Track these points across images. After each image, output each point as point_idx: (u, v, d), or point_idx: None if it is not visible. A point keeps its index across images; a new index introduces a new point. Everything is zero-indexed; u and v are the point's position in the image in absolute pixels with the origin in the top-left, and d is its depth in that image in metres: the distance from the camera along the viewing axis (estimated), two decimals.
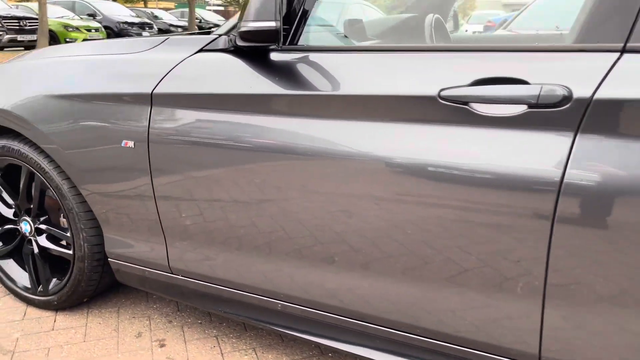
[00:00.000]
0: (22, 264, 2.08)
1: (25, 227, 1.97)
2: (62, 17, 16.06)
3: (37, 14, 14.23)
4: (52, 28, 14.89)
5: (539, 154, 1.11)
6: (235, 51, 1.49)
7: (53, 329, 1.91)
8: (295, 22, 1.43)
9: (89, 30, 16.02)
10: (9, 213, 2.01)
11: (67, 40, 15.54)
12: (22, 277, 2.06)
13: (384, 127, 1.26)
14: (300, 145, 1.34)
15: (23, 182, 1.90)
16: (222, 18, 25.73)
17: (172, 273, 1.71)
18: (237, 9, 42.40)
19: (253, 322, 1.64)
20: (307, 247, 1.41)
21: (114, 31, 17.46)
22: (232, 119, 1.44)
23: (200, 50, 1.55)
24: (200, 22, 21.72)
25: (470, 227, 1.19)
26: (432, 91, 1.20)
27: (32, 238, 1.98)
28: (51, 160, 1.79)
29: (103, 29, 16.53)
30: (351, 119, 1.30)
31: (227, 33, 1.52)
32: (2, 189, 1.98)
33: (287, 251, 1.45)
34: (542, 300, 1.17)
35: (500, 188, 1.14)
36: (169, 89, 1.53)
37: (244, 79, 1.43)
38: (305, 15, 1.44)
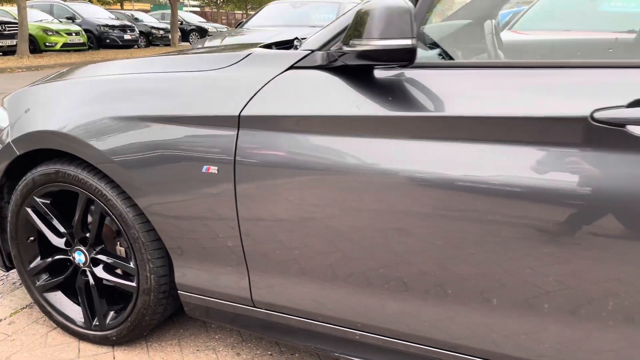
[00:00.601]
0: (71, 295, 1.93)
1: (79, 257, 1.82)
2: (41, 20, 15.66)
3: (15, 18, 13.84)
4: (31, 32, 14.50)
5: None
6: (334, 68, 1.37)
7: None
8: None
9: (70, 34, 15.66)
10: (60, 242, 1.85)
11: (47, 44, 15.16)
12: (73, 311, 1.90)
13: (521, 151, 1.16)
14: (418, 170, 1.23)
15: (80, 210, 1.75)
16: (203, 19, 25.41)
17: (254, 306, 1.58)
18: (213, 10, 42.01)
19: (335, 354, 1.53)
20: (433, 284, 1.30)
21: (94, 34, 17.11)
22: (334, 142, 1.32)
23: (292, 67, 1.43)
24: (181, 23, 21.40)
25: (628, 260, 1.10)
26: (583, 112, 1.10)
27: (86, 269, 1.83)
28: (114, 186, 1.64)
29: (83, 33, 16.17)
30: (478, 142, 1.19)
31: (322, 48, 1.40)
32: (53, 217, 1.82)
33: (407, 285, 1.34)
34: None
35: None
36: (260, 110, 1.40)
37: (350, 98, 1.32)
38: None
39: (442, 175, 1.20)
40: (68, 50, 15.68)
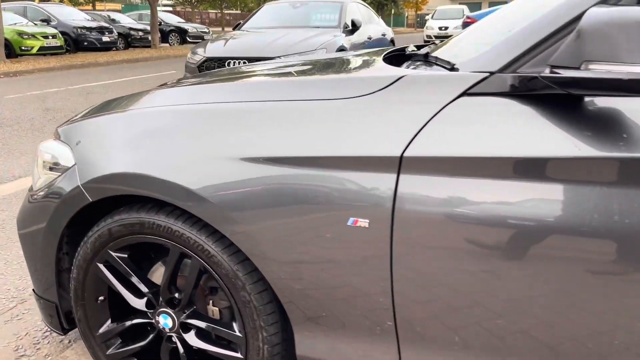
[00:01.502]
0: None
1: (165, 321, 1.50)
2: (15, 23, 14.99)
3: None
4: (6, 36, 13.89)
5: None
6: (526, 96, 1.09)
7: None
8: None
9: (46, 37, 15.06)
10: (140, 304, 1.53)
11: (22, 48, 14.53)
12: None
13: None
14: None
15: (170, 267, 1.43)
16: (182, 20, 24.83)
17: None
18: (186, 9, 41.32)
19: None
20: None
21: (71, 37, 16.49)
22: (540, 190, 1.04)
23: (465, 94, 1.14)
24: (160, 24, 20.82)
25: None
26: None
27: (173, 334, 1.52)
28: (218, 239, 1.34)
29: (60, 35, 15.57)
30: None
31: (505, 69, 1.12)
32: (132, 274, 1.50)
33: None
34: None
35: None
36: (429, 149, 1.11)
37: (562, 135, 1.03)
38: None
39: None
40: (45, 54, 15.08)
